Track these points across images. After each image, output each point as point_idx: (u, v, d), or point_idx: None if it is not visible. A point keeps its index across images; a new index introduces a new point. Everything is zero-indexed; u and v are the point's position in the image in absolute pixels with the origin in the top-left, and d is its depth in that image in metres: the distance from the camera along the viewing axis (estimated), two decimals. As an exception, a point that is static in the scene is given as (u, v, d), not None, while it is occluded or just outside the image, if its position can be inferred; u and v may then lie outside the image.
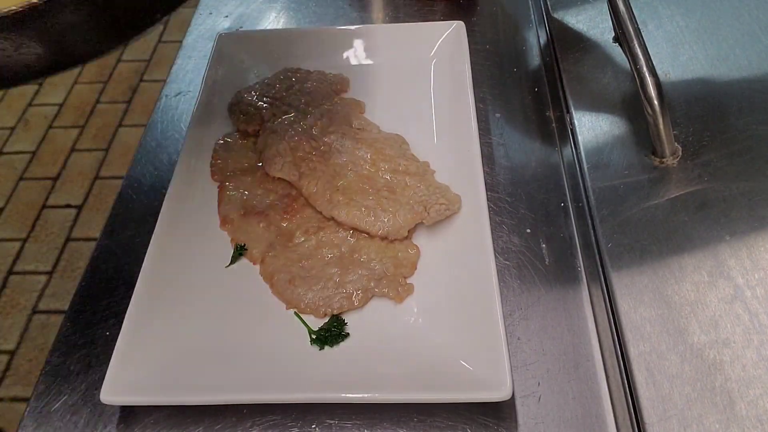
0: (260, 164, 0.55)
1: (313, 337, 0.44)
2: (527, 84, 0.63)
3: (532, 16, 0.70)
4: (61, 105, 1.94)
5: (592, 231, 0.45)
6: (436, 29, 0.64)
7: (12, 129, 1.87)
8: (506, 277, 0.48)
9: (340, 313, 0.46)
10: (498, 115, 0.60)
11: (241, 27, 0.73)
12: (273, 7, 0.75)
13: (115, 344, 0.42)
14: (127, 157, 1.66)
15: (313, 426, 0.41)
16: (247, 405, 0.42)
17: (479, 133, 0.52)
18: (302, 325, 0.45)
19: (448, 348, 0.42)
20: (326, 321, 0.46)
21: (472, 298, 0.44)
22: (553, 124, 0.59)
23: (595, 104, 0.53)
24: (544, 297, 0.47)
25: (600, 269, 0.43)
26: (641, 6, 0.58)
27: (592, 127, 0.51)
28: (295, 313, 0.46)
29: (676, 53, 0.54)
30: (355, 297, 0.46)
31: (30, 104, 1.95)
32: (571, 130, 0.52)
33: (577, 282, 0.47)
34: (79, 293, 0.50)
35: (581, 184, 0.49)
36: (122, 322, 0.43)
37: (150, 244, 0.48)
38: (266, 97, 0.60)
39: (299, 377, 0.42)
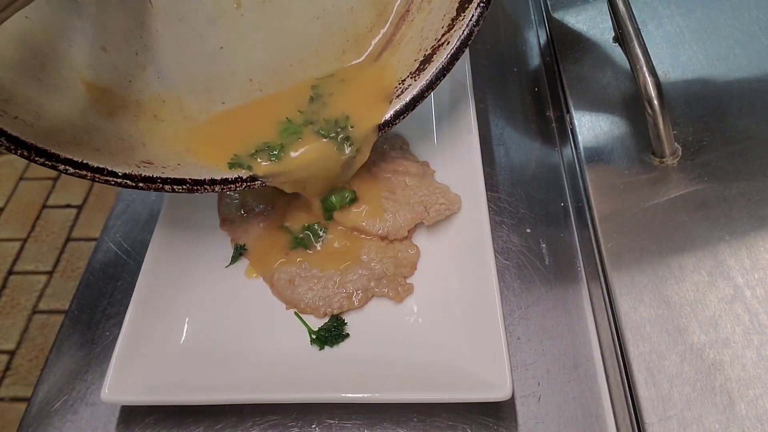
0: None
1: (313, 337, 0.44)
2: (527, 84, 0.63)
3: (532, 16, 0.70)
4: (61, 105, 1.94)
5: (592, 231, 0.45)
6: (436, 29, 0.64)
7: (12, 129, 1.87)
8: (506, 277, 0.48)
9: (340, 313, 0.46)
10: (498, 115, 0.60)
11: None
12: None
13: (115, 344, 0.42)
14: (127, 157, 1.66)
15: (313, 426, 0.41)
16: (248, 405, 0.42)
17: (479, 133, 0.52)
18: (302, 325, 0.46)
19: (448, 348, 0.42)
20: (326, 321, 0.46)
21: (472, 297, 0.44)
22: (553, 124, 0.59)
23: (595, 104, 0.53)
24: (544, 297, 0.47)
25: (600, 269, 0.43)
26: (641, 6, 0.58)
27: (592, 127, 0.51)
28: (295, 313, 0.46)
29: (676, 53, 0.54)
30: (355, 297, 0.46)
31: (30, 104, 1.94)
32: (571, 130, 0.52)
33: (577, 282, 0.47)
34: (79, 293, 0.50)
35: (581, 184, 0.49)
36: (122, 322, 0.43)
37: (150, 244, 0.48)
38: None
39: (299, 377, 0.42)
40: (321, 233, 0.50)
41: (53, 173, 1.72)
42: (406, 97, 0.47)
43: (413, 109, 0.48)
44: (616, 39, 0.55)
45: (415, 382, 0.41)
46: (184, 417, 0.42)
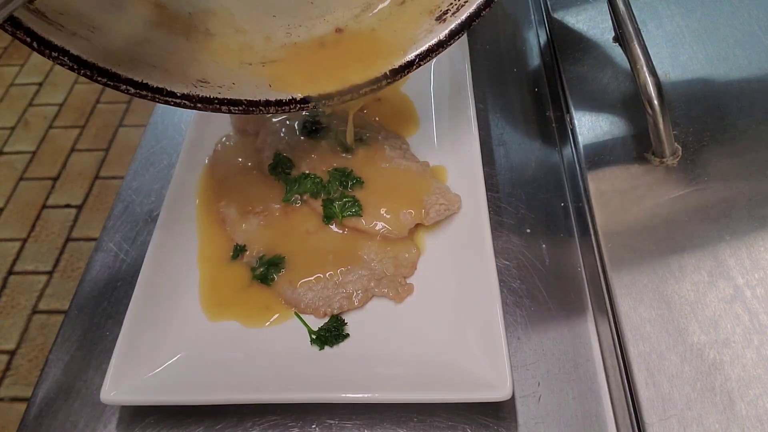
0: (260, 164, 0.55)
1: (313, 337, 0.44)
2: (527, 84, 0.63)
3: (532, 16, 0.70)
4: (61, 105, 1.94)
5: (592, 231, 0.45)
6: (436, 29, 0.64)
7: (12, 129, 1.87)
8: (506, 277, 0.48)
9: (340, 313, 0.46)
10: (498, 115, 0.60)
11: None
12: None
13: (115, 344, 0.42)
14: (127, 157, 1.66)
15: (313, 426, 0.41)
16: (248, 405, 0.42)
17: (479, 133, 0.52)
18: (302, 325, 0.46)
19: (448, 348, 0.42)
20: (326, 321, 0.46)
21: (472, 297, 0.44)
22: (553, 124, 0.59)
23: (595, 104, 0.53)
24: (544, 297, 0.47)
25: (600, 269, 0.43)
26: (641, 6, 0.58)
27: (592, 127, 0.51)
28: (296, 313, 0.46)
29: (676, 53, 0.54)
30: (355, 297, 0.46)
31: (30, 104, 1.94)
32: (571, 130, 0.52)
33: (577, 282, 0.47)
34: (79, 293, 0.50)
35: (581, 184, 0.49)
36: (122, 322, 0.43)
37: (150, 244, 0.48)
38: (266, 97, 0.60)
39: (299, 377, 0.42)
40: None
41: (53, 173, 1.73)
42: (462, 15, 0.46)
43: (469, 27, 0.46)
44: (616, 39, 0.55)
45: (415, 382, 0.41)
46: (184, 417, 0.42)
